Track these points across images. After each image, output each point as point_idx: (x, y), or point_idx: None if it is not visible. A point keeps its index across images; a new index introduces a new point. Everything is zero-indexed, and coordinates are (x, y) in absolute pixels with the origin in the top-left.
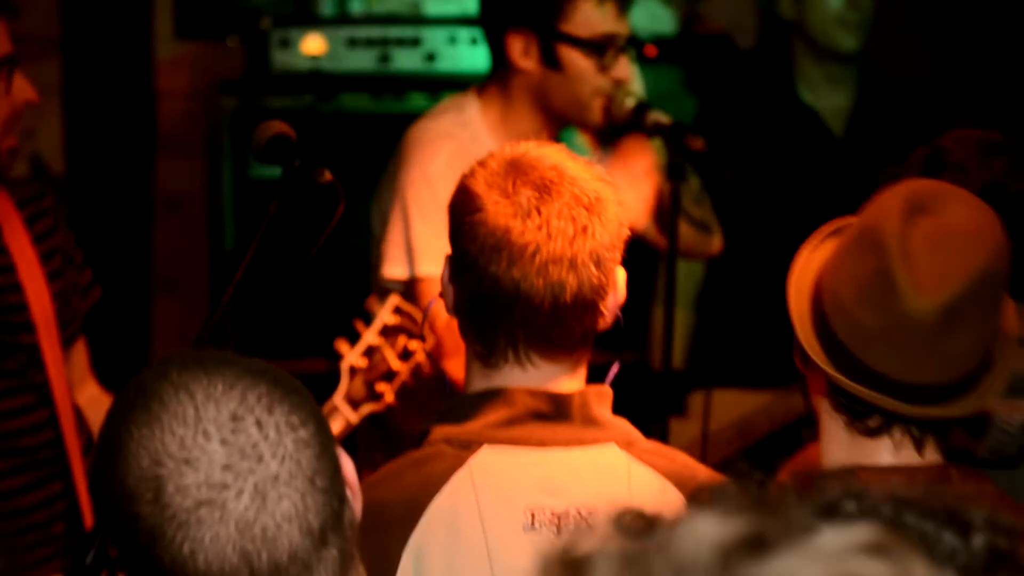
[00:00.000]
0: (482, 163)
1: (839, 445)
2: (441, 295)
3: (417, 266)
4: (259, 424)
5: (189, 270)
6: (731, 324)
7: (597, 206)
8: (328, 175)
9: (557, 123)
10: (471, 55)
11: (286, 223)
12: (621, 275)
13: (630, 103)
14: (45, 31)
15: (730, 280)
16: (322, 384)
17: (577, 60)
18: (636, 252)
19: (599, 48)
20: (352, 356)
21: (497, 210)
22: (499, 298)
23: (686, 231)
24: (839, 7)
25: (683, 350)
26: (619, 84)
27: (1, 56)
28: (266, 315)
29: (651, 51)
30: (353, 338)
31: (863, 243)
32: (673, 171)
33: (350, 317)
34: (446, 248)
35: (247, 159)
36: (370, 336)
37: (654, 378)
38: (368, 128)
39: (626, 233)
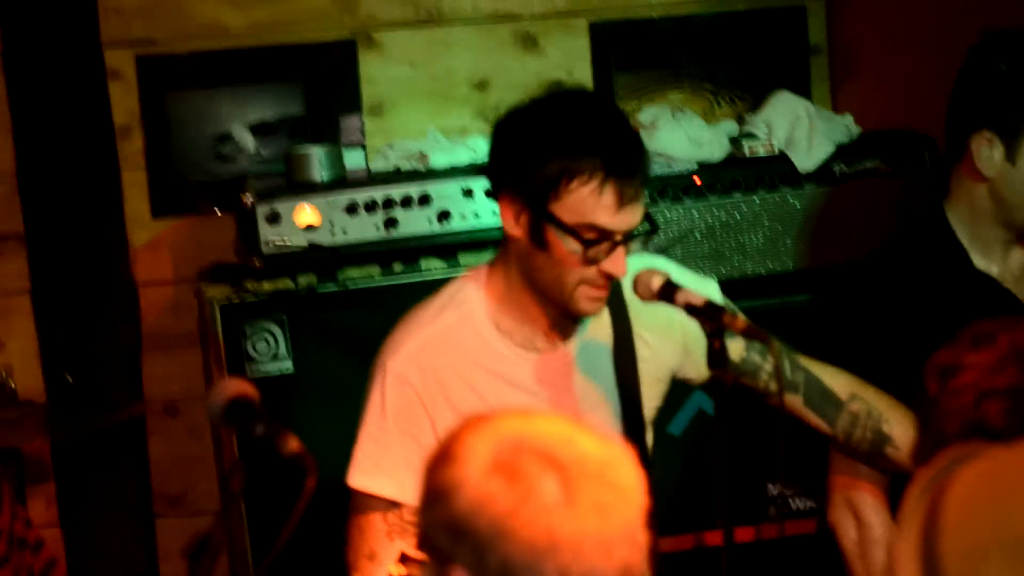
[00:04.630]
0: (469, 453)
1: None
2: None
3: (350, 476)
4: None
5: (194, 485)
6: None
7: (621, 465)
8: (294, 444)
9: (550, 303)
10: (489, 209)
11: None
12: None
13: (657, 282)
14: (6, 227)
15: None
16: None
17: (560, 245)
18: None
19: (585, 241)
20: None
21: (533, 506)
22: None
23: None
24: None
25: None
26: (611, 278)
27: None
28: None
29: (697, 181)
30: None
31: None
32: (713, 359)
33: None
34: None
35: (243, 355)
36: None
37: None
38: (379, 303)
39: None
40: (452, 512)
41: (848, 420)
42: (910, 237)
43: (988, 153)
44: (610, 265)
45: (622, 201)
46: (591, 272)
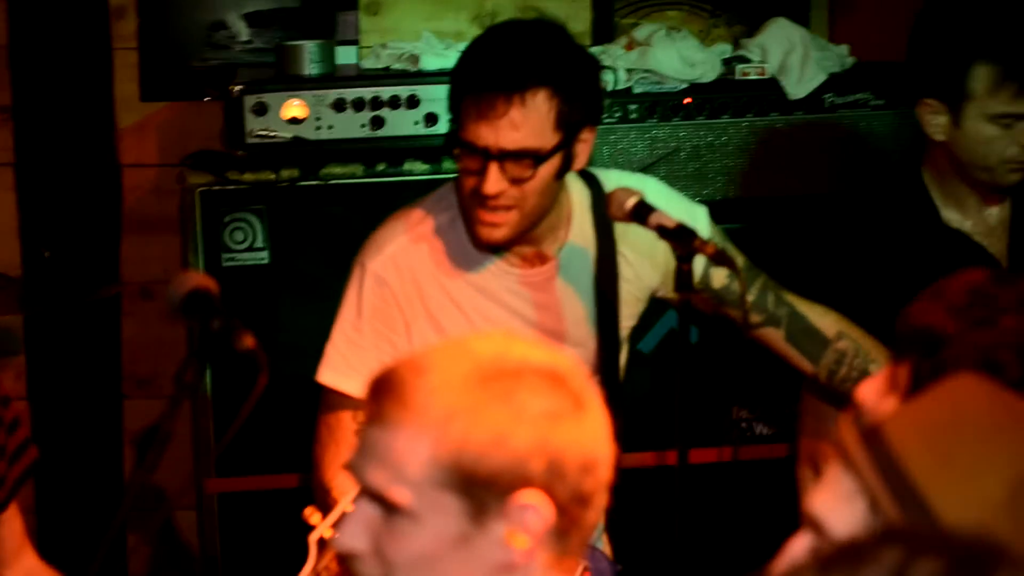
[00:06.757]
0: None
1: None
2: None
3: (320, 372)
4: None
5: (165, 368)
6: None
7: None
8: (249, 340)
9: None
10: None
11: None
12: None
13: (630, 202)
14: None
15: None
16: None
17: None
18: None
19: (454, 154)
20: (323, 527)
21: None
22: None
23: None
24: (1015, 154)
25: None
26: (485, 197)
27: None
28: (241, 432)
29: (687, 101)
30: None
31: None
32: (680, 282)
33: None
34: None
35: (220, 244)
36: (346, 502)
37: None
38: (360, 201)
39: None
40: (518, 448)
41: (833, 358)
42: (884, 189)
43: (934, 119)
44: (481, 182)
45: (484, 113)
46: (473, 186)
